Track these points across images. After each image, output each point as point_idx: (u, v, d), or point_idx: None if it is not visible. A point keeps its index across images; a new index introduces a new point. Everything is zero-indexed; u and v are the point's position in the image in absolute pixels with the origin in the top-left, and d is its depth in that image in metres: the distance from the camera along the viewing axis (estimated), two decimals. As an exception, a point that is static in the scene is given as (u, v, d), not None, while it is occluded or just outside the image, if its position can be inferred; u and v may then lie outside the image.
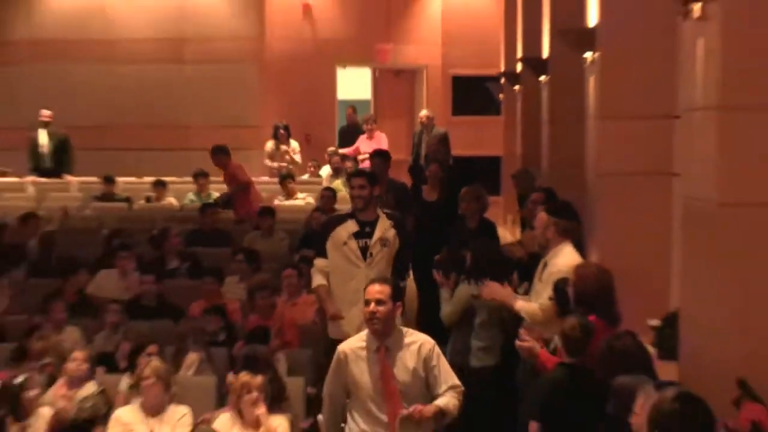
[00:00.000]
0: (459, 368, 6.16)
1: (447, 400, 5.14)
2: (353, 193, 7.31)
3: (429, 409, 5.12)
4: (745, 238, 5.34)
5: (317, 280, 7.28)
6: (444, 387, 5.16)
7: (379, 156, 11.12)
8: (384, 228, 7.08)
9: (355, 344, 5.34)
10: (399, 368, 5.17)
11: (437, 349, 5.24)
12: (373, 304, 5.12)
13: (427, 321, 9.07)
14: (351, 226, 7.05)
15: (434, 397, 5.12)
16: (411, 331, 5.38)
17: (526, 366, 6.39)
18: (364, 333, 5.31)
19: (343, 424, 5.33)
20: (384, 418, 5.14)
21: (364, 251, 7.04)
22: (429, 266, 8.59)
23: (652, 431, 4.13)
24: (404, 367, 5.17)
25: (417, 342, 5.26)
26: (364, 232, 7.03)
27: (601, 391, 5.20)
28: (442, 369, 5.21)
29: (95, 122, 17.10)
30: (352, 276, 7.03)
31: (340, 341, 6.00)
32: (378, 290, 5.19)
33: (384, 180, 10.16)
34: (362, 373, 5.19)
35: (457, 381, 5.25)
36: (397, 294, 5.26)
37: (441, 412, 5.15)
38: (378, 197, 8.82)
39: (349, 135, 16.45)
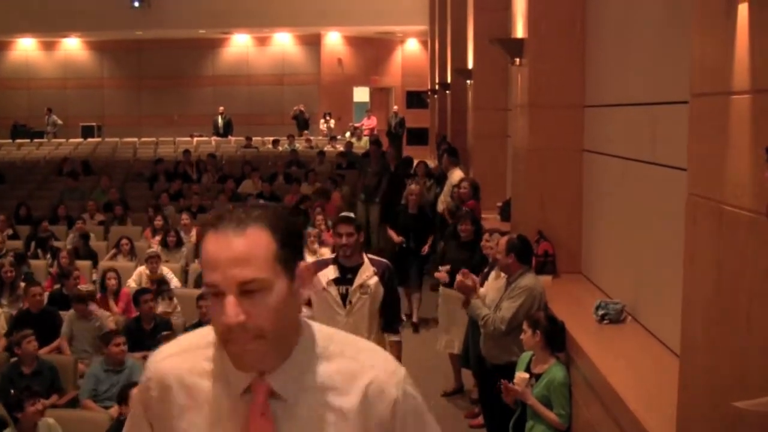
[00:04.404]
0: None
1: None
2: (340, 242, 5.75)
3: None
4: (544, 169, 7.37)
5: None
6: None
7: (375, 144, 15.81)
8: (366, 275, 5.72)
9: (191, 367, 1.96)
10: None
11: (415, 396, 1.98)
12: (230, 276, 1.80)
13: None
14: (331, 271, 5.77)
15: None
16: (342, 338, 1.99)
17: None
18: (209, 349, 1.96)
19: None
20: None
21: (344, 298, 5.72)
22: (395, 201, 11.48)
23: (507, 253, 6.15)
24: None
25: (361, 379, 1.92)
26: (345, 279, 5.74)
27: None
28: None
29: (243, 112, 29.25)
30: (334, 323, 4.60)
31: None
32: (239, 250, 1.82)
33: (377, 158, 14.27)
34: None
35: None
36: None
37: None
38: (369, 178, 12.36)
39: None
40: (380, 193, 13.81)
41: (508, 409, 5.75)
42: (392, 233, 10.55)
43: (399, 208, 10.98)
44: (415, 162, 15.25)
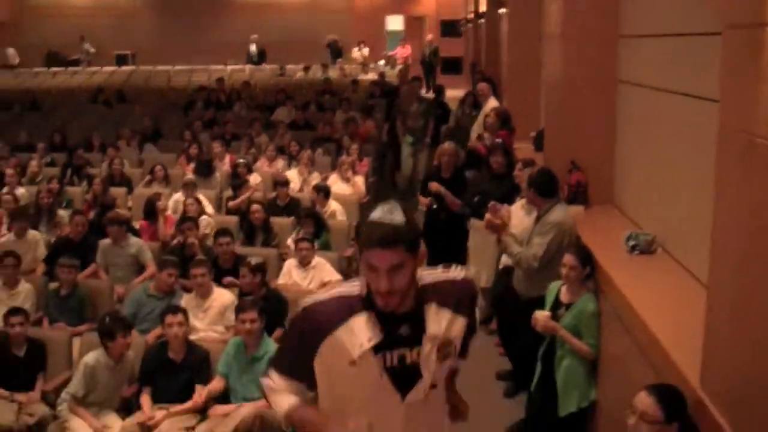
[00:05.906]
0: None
1: None
2: (386, 300, 2.79)
3: None
4: (578, 100, 7.32)
5: (281, 402, 3.10)
6: None
7: (414, 81, 15.56)
8: (444, 322, 3.01)
9: None
10: None
11: None
12: None
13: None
14: (364, 327, 2.85)
15: None
16: None
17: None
18: None
19: None
20: None
21: (401, 375, 2.91)
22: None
23: (528, 188, 6.37)
24: None
25: None
26: (395, 338, 2.88)
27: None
28: None
29: (276, 40, 28.58)
30: (384, 419, 2.95)
31: None
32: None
33: (415, 95, 13.78)
34: None
35: None
36: None
37: None
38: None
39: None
40: (429, 134, 13.21)
41: (529, 339, 5.85)
42: (421, 198, 9.04)
43: (431, 172, 9.37)
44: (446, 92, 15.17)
